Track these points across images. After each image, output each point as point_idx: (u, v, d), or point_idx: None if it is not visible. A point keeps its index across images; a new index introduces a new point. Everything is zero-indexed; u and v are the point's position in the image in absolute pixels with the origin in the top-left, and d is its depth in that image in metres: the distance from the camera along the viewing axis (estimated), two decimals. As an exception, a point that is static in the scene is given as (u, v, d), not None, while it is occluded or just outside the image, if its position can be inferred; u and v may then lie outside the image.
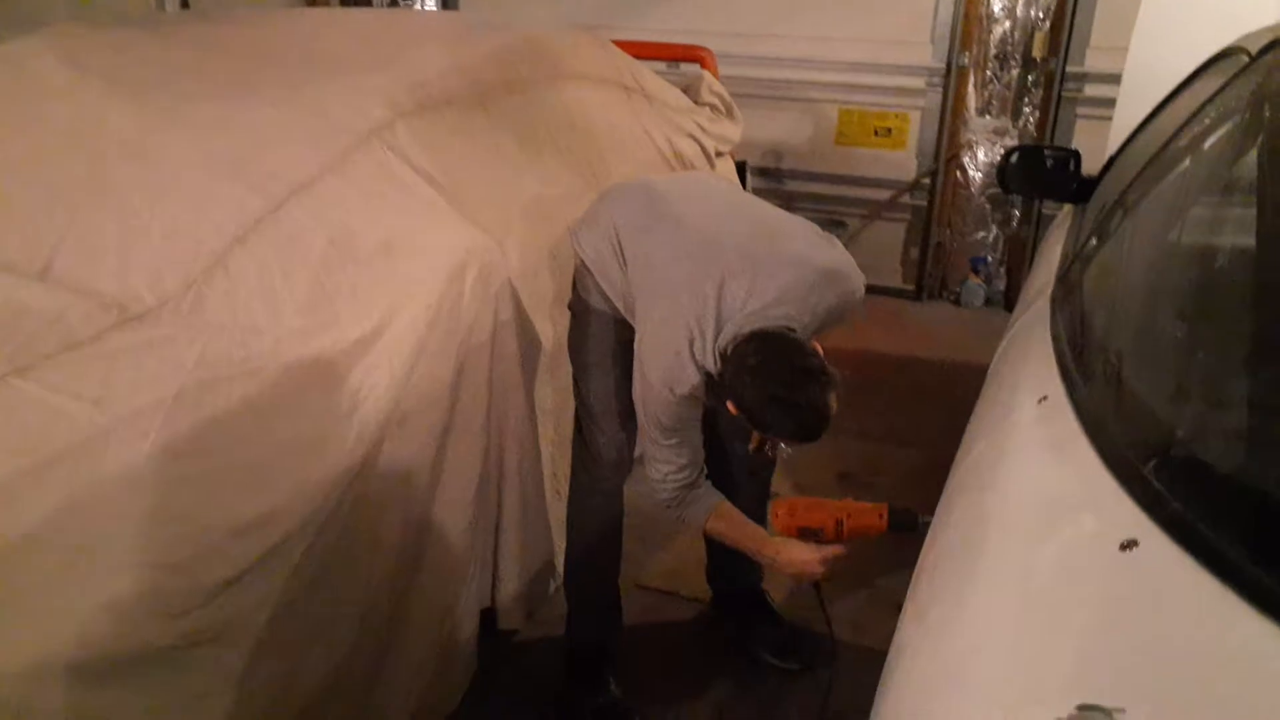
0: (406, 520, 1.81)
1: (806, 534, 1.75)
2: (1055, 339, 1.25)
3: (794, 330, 1.69)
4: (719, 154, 3.66)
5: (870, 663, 2.33)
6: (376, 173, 1.95)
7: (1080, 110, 4.69)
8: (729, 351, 1.66)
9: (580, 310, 2.04)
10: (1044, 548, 0.79)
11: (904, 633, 0.92)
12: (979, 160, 5.02)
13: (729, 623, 2.43)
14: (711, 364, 1.70)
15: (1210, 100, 1.44)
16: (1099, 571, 0.70)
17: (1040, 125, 4.85)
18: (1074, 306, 1.34)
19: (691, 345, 1.70)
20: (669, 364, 1.72)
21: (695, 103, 3.60)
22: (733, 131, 3.79)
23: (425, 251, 1.89)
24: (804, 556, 1.75)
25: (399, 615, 1.84)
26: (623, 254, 1.88)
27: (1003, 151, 4.92)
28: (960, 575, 0.86)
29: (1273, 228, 0.94)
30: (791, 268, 1.74)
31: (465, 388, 1.93)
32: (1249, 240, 0.95)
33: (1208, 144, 1.38)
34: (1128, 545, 0.69)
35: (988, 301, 5.14)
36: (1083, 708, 0.57)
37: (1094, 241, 1.52)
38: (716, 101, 3.78)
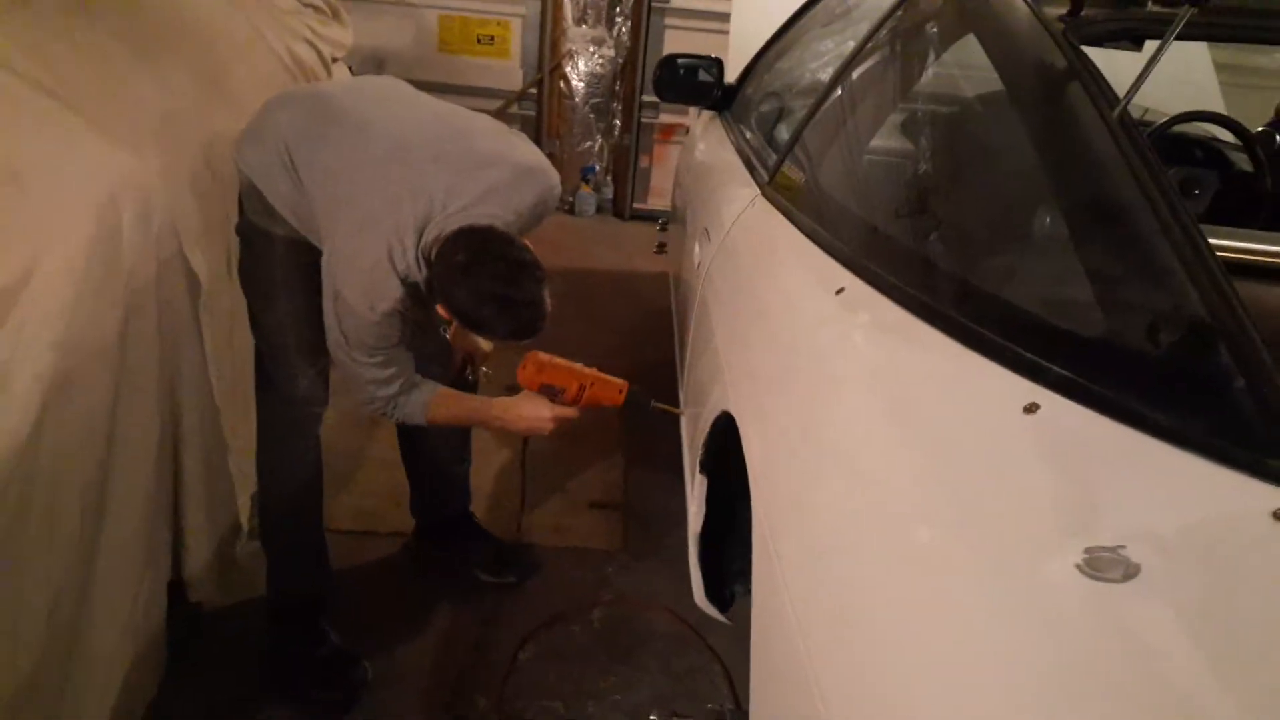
0: (84, 500, 1.53)
1: (548, 390, 1.77)
2: (813, 236, 1.34)
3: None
4: (335, 60, 3.40)
5: (577, 560, 2.45)
6: (-26, 83, 1.54)
7: (668, 20, 5.00)
8: (434, 254, 1.57)
9: (252, 235, 1.81)
10: (947, 418, 0.87)
11: (801, 538, 0.96)
12: (581, 70, 5.17)
13: (438, 550, 2.37)
14: (416, 272, 1.60)
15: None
16: (1013, 433, 0.80)
17: (634, 34, 5.09)
18: (825, 206, 1.45)
19: (391, 255, 1.57)
20: (367, 279, 1.58)
21: (300, 3, 3.29)
22: (344, 35, 3.55)
23: (68, 180, 1.54)
24: (537, 412, 1.77)
25: (83, 607, 1.57)
26: (295, 168, 1.68)
27: (601, 61, 5.15)
28: (857, 467, 0.92)
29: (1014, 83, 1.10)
30: (490, 166, 1.67)
31: (133, 339, 1.64)
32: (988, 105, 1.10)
33: (910, 35, 1.54)
34: (1031, 408, 0.79)
35: (599, 209, 5.39)
36: (1091, 550, 0.65)
37: (809, 141, 1.65)
38: (320, 3, 3.50)
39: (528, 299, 1.54)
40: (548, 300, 1.57)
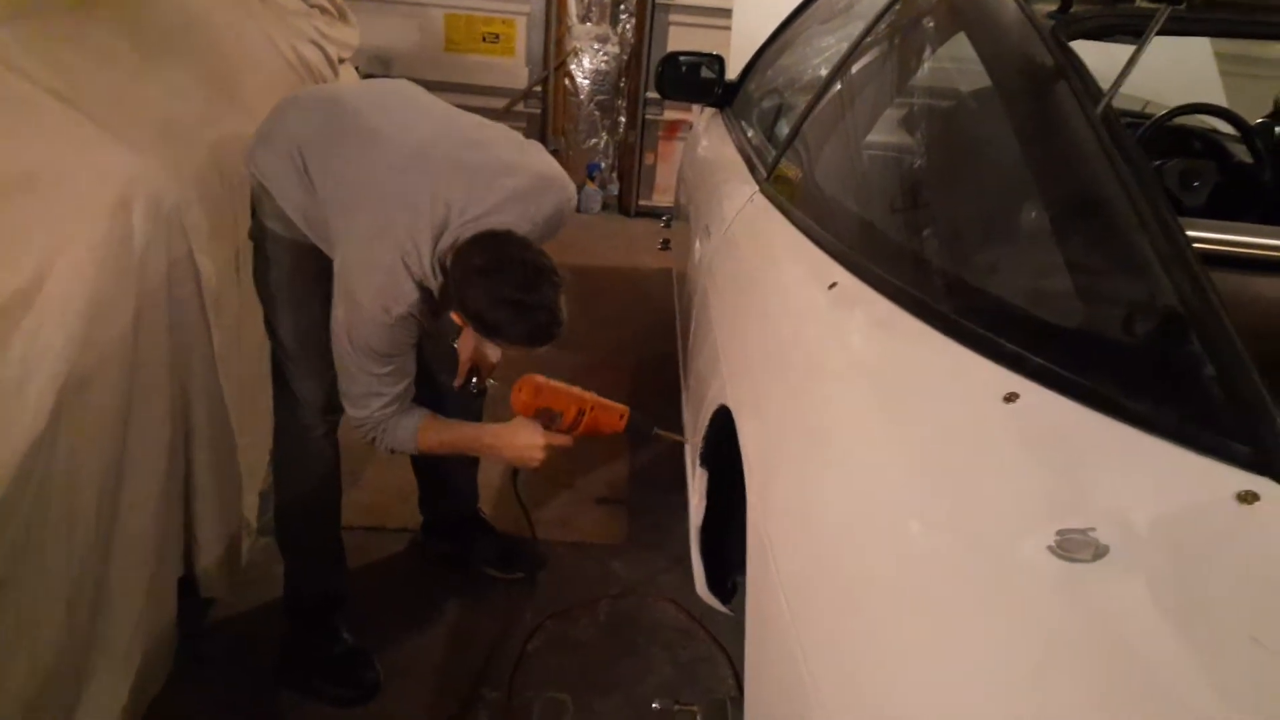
0: (100, 497, 1.56)
1: (545, 415, 1.72)
2: (807, 232, 1.37)
3: None
4: (341, 61, 3.43)
5: (583, 555, 2.48)
6: (-11, 90, 1.58)
7: (672, 17, 5.02)
8: (450, 259, 1.57)
9: (263, 239, 1.82)
10: (929, 410, 0.90)
11: (794, 523, 0.98)
12: (585, 67, 5.20)
13: (446, 546, 2.41)
14: (431, 279, 1.60)
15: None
16: (993, 421, 0.82)
17: (638, 31, 5.11)
18: (818, 202, 1.47)
19: (405, 259, 1.57)
20: (381, 282, 1.58)
21: (307, 4, 3.32)
22: (351, 36, 3.57)
23: (79, 181, 1.58)
24: (528, 440, 1.71)
25: (100, 604, 1.61)
26: (309, 173, 1.69)
27: (606, 58, 5.17)
28: (844, 455, 0.95)
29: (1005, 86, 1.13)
30: (506, 175, 1.66)
31: (144, 338, 1.67)
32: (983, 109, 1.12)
33: (903, 32, 1.56)
34: (1010, 397, 0.81)
35: (604, 206, 5.43)
36: (1062, 532, 0.68)
37: (804, 138, 1.67)
38: (326, 4, 3.53)
39: (544, 303, 1.53)
40: (564, 307, 1.56)
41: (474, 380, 2.11)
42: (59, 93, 1.69)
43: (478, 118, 1.83)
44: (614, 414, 1.74)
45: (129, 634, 1.70)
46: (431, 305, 1.64)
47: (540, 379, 1.73)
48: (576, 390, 1.74)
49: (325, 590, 2.06)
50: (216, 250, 1.97)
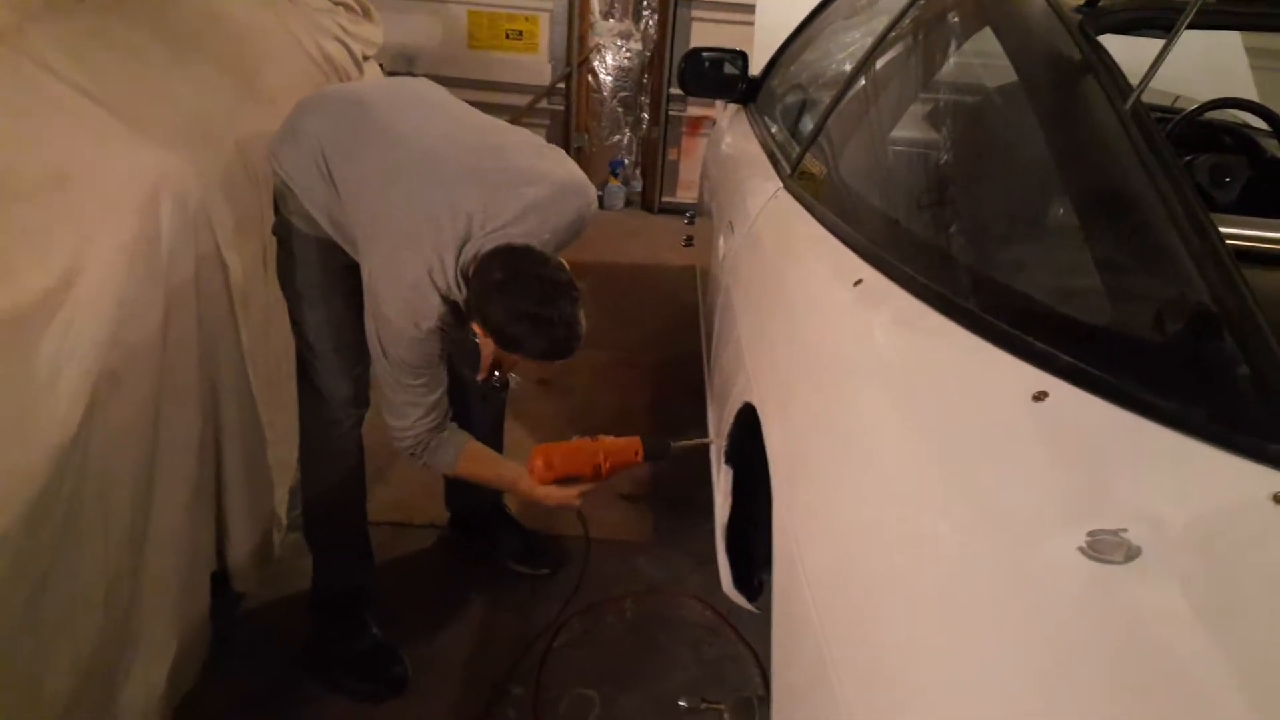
0: (134, 492, 1.59)
1: (567, 481, 1.74)
2: (832, 229, 1.37)
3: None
4: (365, 58, 3.46)
5: (608, 552, 2.48)
6: (18, 87, 1.60)
7: (695, 13, 5.01)
8: (471, 271, 1.58)
9: (287, 236, 1.83)
10: (956, 408, 0.90)
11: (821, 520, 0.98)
12: (608, 64, 5.20)
13: (471, 541, 2.42)
14: (456, 291, 1.61)
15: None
16: (1022, 420, 0.82)
17: (660, 27, 5.11)
18: (843, 198, 1.47)
19: (431, 274, 1.58)
20: (408, 297, 1.60)
21: (331, 2, 3.35)
22: (375, 33, 3.60)
23: (108, 179, 1.60)
24: (561, 491, 1.76)
25: (136, 598, 1.63)
26: (331, 176, 1.70)
27: (629, 54, 5.17)
28: (871, 454, 0.95)
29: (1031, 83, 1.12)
30: (527, 184, 1.66)
31: (174, 335, 1.69)
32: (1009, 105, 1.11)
33: (928, 27, 1.55)
34: (1040, 396, 0.81)
35: (628, 203, 5.43)
36: (1093, 533, 0.67)
37: (829, 134, 1.67)
38: (351, 1, 3.55)
39: (562, 318, 1.53)
40: (583, 321, 1.56)
41: (496, 375, 2.12)
42: (88, 91, 1.71)
43: (496, 120, 1.83)
44: (628, 452, 1.74)
45: (164, 627, 1.73)
46: (458, 316, 1.65)
47: (550, 451, 1.73)
48: (587, 444, 1.74)
49: (351, 585, 2.07)
50: (243, 246, 1.99)
